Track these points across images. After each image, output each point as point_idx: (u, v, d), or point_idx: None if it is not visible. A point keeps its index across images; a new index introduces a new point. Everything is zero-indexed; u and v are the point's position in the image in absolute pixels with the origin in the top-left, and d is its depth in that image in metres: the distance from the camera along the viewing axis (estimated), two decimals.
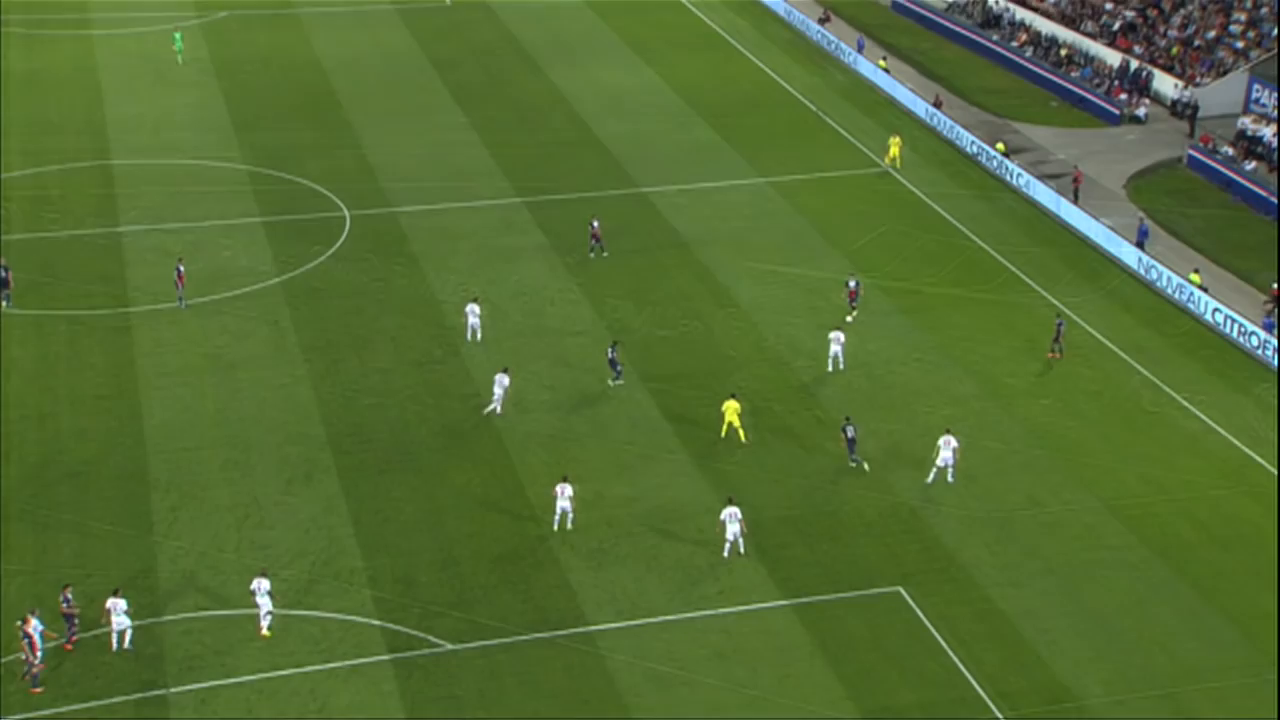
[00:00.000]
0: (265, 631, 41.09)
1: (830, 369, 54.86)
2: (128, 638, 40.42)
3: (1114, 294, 63.09)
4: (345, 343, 56.69)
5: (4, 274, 58.98)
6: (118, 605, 40.33)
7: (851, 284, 58.83)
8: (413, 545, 45.02)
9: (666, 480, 48.48)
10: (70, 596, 40.73)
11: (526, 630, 41.46)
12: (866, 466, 49.29)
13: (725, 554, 44.84)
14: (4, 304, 58.30)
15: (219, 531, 45.40)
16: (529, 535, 45.68)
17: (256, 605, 41.08)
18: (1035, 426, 52.45)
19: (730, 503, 45.11)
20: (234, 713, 38.35)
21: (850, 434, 49.32)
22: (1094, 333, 59.39)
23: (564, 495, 45.61)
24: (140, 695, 39.01)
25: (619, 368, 53.63)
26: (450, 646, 40.81)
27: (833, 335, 55.13)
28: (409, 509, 46.64)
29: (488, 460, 49.41)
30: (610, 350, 53.97)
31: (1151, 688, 40.34)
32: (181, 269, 58.53)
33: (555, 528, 45.97)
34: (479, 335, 56.61)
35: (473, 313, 56.77)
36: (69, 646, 40.50)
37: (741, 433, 50.10)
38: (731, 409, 49.88)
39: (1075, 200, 70.04)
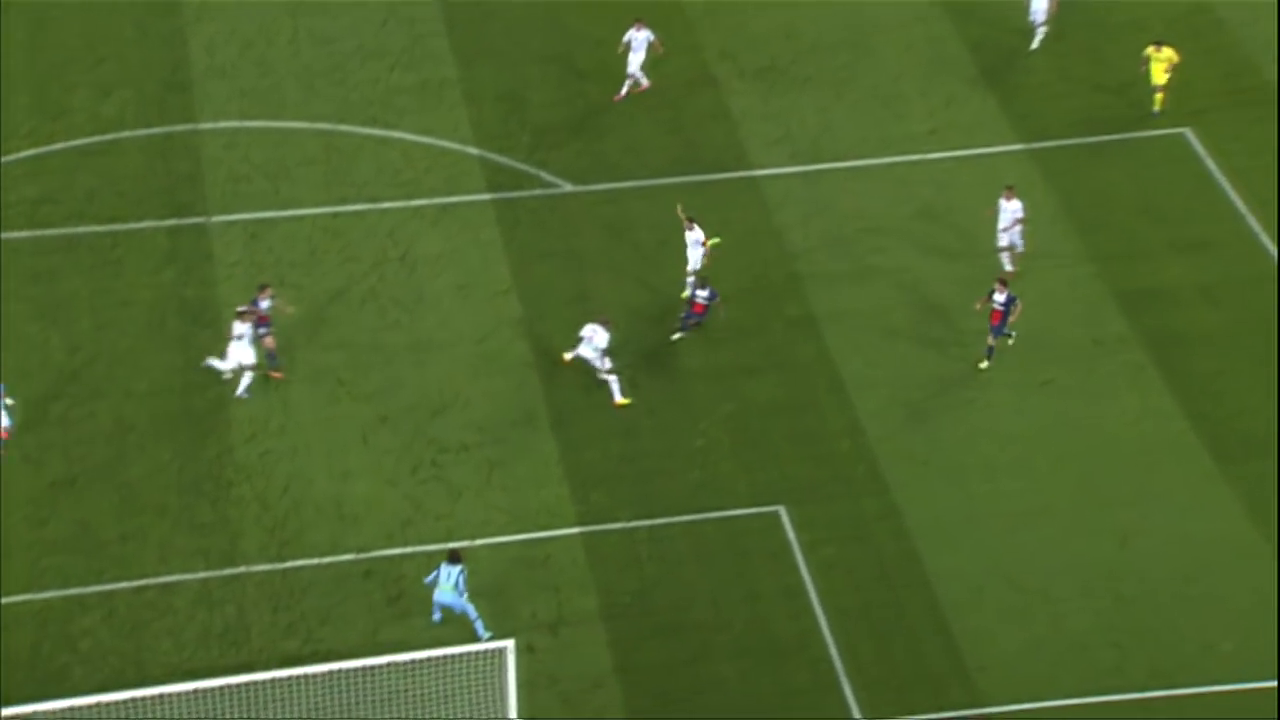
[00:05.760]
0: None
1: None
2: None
3: None
4: None
5: None
6: None
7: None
8: (521, 51, 39.09)
9: None
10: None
11: (671, 171, 36.04)
12: None
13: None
14: None
15: (267, 17, 39.74)
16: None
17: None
18: None
19: None
20: (294, 253, 33.62)
21: None
22: None
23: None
24: (175, 221, 34.50)
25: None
26: (570, 188, 35.59)
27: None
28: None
29: None
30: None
31: None
32: None
33: None
34: None
35: None
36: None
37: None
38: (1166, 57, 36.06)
39: None
